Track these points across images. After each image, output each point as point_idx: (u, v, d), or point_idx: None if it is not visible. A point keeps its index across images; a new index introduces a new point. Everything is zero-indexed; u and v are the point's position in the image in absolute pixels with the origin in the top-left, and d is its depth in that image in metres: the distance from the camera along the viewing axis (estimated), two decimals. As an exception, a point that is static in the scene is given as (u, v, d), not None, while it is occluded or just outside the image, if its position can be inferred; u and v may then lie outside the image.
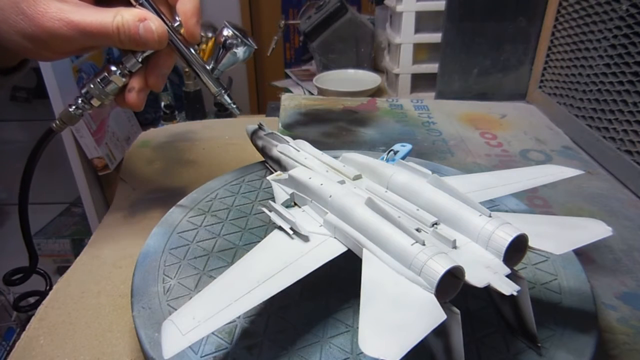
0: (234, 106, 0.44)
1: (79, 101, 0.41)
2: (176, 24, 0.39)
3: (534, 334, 0.30)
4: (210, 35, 1.15)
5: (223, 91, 0.43)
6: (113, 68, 0.40)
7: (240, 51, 0.41)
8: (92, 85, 0.40)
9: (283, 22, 1.37)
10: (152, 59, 0.40)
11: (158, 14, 0.38)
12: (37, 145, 0.45)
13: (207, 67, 0.42)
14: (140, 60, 0.39)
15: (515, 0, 0.80)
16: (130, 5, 0.38)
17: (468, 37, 0.84)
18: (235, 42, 0.40)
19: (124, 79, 0.40)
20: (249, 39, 0.41)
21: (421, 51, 0.97)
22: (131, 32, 0.36)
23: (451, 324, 0.25)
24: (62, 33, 0.35)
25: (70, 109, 0.41)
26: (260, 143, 0.48)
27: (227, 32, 0.40)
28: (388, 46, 1.08)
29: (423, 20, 0.93)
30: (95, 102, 0.41)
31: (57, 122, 0.43)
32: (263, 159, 0.50)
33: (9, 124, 1.58)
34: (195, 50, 0.41)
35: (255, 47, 0.42)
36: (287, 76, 1.35)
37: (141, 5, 0.38)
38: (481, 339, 0.31)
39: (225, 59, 0.41)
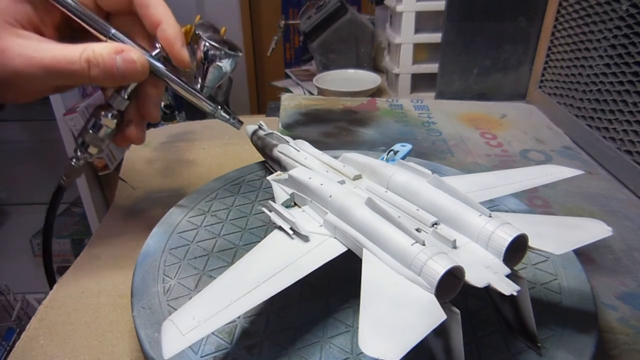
0: (233, 121, 0.42)
1: (78, 153, 0.40)
2: (155, 52, 0.37)
3: (534, 334, 0.30)
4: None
5: (219, 108, 0.41)
6: (102, 112, 0.38)
7: (225, 63, 0.38)
8: (85, 134, 0.39)
9: (283, 22, 1.37)
10: (139, 91, 0.38)
11: (134, 44, 0.36)
12: (51, 204, 0.45)
13: (196, 87, 0.39)
14: (126, 97, 0.38)
15: (515, 0, 0.80)
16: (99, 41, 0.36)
17: (468, 37, 0.84)
18: (217, 53, 0.38)
19: (114, 121, 0.38)
20: (235, 48, 0.39)
21: (421, 51, 0.97)
22: (106, 66, 0.34)
23: (451, 324, 0.25)
24: (25, 71, 0.32)
25: (72, 162, 0.40)
26: (260, 143, 0.48)
27: (206, 45, 0.38)
28: (388, 46, 1.08)
29: (423, 20, 0.93)
30: (92, 150, 0.40)
31: (64, 177, 0.42)
32: (263, 159, 0.50)
33: (9, 124, 1.59)
34: (181, 74, 0.39)
35: (241, 54, 0.39)
36: (287, 76, 1.35)
37: (111, 39, 0.36)
38: (481, 339, 0.31)
39: (210, 74, 0.39)
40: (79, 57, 0.33)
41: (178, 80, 0.38)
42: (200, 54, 0.38)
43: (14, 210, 1.71)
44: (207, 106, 0.40)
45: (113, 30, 0.36)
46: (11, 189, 1.70)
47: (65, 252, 1.50)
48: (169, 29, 0.36)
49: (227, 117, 0.42)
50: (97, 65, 0.33)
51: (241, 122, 0.43)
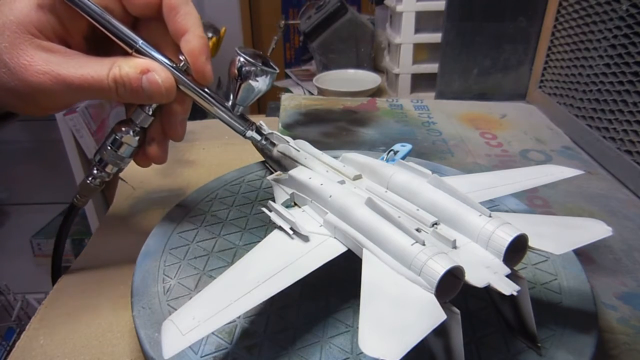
0: (265, 142, 0.40)
1: (94, 171, 0.38)
2: (181, 64, 0.34)
3: (534, 334, 0.30)
4: (210, 35, 1.15)
5: (250, 128, 0.38)
6: (123, 128, 0.36)
7: (260, 81, 0.35)
8: (104, 152, 0.37)
9: (283, 22, 1.37)
10: (165, 107, 0.36)
11: (163, 58, 0.34)
12: (63, 223, 0.43)
13: (227, 105, 0.37)
14: (150, 113, 0.36)
15: (515, 0, 0.80)
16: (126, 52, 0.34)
17: (468, 37, 0.84)
18: (252, 69, 0.35)
19: (136, 138, 0.36)
20: (269, 64, 0.36)
21: (421, 51, 0.97)
22: (132, 86, 0.32)
23: (451, 324, 0.25)
24: (48, 88, 0.31)
25: (88, 181, 0.38)
26: (260, 144, 0.48)
27: (240, 60, 0.35)
28: (388, 46, 1.08)
29: (423, 20, 0.93)
30: (110, 169, 0.38)
31: (78, 196, 0.40)
32: (263, 159, 0.50)
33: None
34: (209, 89, 0.36)
35: (277, 71, 0.36)
36: (287, 76, 1.35)
37: (138, 52, 0.33)
38: (481, 339, 0.31)
39: (243, 91, 0.36)
40: (107, 76, 0.32)
41: (208, 98, 0.36)
42: (234, 70, 0.35)
43: (14, 210, 1.71)
44: (238, 125, 0.38)
45: (140, 42, 0.33)
46: (11, 189, 1.70)
47: (65, 252, 1.50)
48: (194, 40, 0.34)
49: (259, 138, 0.39)
50: (123, 85, 0.32)
51: (274, 144, 0.41)
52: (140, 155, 0.38)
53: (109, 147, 0.37)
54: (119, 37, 0.33)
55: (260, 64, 0.35)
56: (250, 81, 0.35)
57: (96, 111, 1.26)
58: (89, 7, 0.33)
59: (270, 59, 0.36)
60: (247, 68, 0.35)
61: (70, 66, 0.31)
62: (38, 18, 0.32)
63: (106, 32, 0.33)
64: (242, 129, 0.38)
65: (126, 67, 0.32)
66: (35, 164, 1.63)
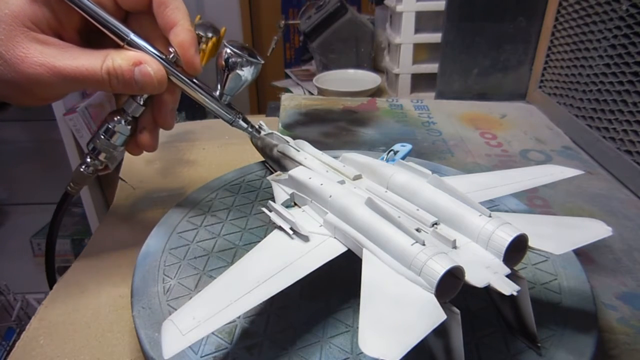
0: (251, 130, 0.41)
1: (88, 159, 0.39)
2: (170, 56, 0.36)
3: (534, 334, 0.30)
4: (210, 35, 1.15)
5: (237, 117, 0.40)
6: (115, 117, 0.37)
7: (246, 71, 0.37)
8: (97, 140, 0.38)
9: (283, 22, 1.37)
10: (155, 97, 0.37)
11: (154, 50, 0.35)
12: (57, 211, 0.44)
13: (215, 95, 0.38)
14: (142, 103, 0.37)
15: (515, 0, 0.80)
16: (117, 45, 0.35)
17: (468, 37, 0.84)
18: (238, 60, 0.36)
19: (128, 127, 0.38)
20: (255, 55, 0.37)
21: (421, 51, 0.97)
22: (125, 77, 0.33)
23: (451, 324, 0.25)
24: (44, 80, 0.32)
25: (81, 169, 0.39)
26: (260, 143, 0.48)
27: (227, 52, 0.37)
28: (388, 46, 1.08)
29: (423, 20, 0.93)
30: (103, 157, 0.39)
31: (72, 184, 0.41)
32: (263, 159, 0.50)
33: (9, 124, 1.59)
34: (198, 80, 0.37)
35: (262, 62, 0.38)
36: (287, 76, 1.35)
37: (129, 45, 0.34)
38: (481, 339, 0.31)
39: (230, 81, 0.37)
40: (100, 68, 0.33)
41: (197, 88, 0.37)
42: (221, 61, 0.37)
43: (14, 210, 1.71)
44: (225, 114, 0.39)
45: (131, 35, 0.34)
46: (11, 189, 1.70)
47: (65, 252, 1.50)
48: (183, 33, 0.35)
49: (246, 126, 0.41)
50: (116, 77, 0.33)
51: (259, 132, 0.42)
52: (132, 144, 0.39)
53: (102, 136, 0.38)
54: (111, 31, 0.34)
55: (247, 55, 0.37)
56: (237, 71, 0.37)
57: (96, 111, 1.26)
58: (82, 2, 0.34)
59: (255, 51, 0.38)
60: (233, 59, 0.36)
61: (65, 58, 0.32)
62: (33, 11, 0.32)
63: (99, 25, 0.34)
64: (230, 117, 0.40)
65: (119, 60, 0.33)
66: (35, 164, 1.63)
